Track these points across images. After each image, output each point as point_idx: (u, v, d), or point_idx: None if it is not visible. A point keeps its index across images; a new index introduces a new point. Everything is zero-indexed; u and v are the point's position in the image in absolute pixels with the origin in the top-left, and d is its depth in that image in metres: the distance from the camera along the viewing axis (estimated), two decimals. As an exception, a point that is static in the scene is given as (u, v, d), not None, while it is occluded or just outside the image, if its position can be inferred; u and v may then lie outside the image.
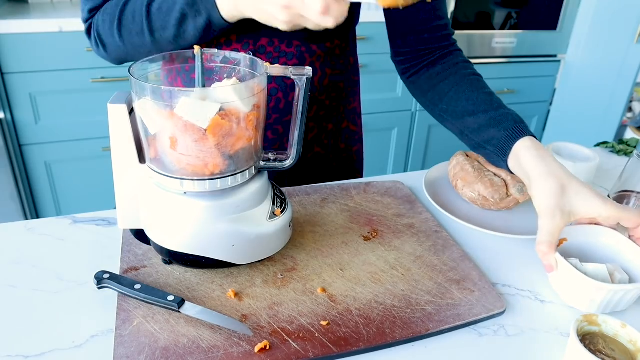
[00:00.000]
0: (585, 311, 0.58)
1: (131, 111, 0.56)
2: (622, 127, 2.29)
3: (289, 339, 0.51)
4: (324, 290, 0.58)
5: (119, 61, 0.79)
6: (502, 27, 2.18)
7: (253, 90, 0.54)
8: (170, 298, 0.53)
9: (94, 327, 0.53)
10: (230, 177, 0.56)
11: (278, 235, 0.61)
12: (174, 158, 0.54)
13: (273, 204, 0.61)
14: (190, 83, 0.74)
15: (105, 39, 0.74)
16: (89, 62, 1.74)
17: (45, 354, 0.50)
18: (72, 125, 1.82)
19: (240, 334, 0.52)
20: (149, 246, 0.62)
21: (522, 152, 0.66)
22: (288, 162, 0.62)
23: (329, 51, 0.82)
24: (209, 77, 0.61)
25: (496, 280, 0.64)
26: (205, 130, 0.51)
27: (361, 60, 0.94)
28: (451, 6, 2.05)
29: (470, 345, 0.54)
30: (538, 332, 0.56)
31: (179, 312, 0.53)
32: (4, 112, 1.71)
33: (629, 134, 2.28)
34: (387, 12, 0.82)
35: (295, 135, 0.61)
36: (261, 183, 0.60)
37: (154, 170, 0.56)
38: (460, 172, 0.80)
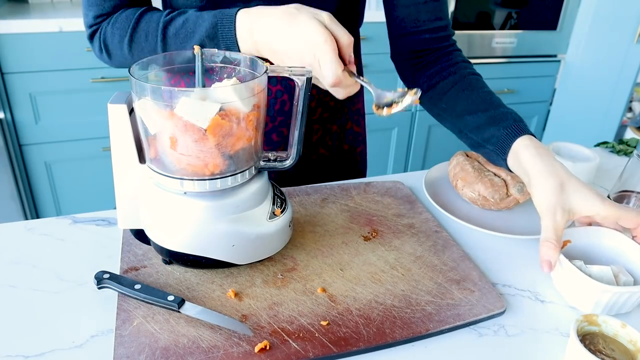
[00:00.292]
0: (590, 313, 0.58)
1: (131, 111, 0.56)
2: (622, 127, 2.29)
3: (289, 339, 0.51)
4: (324, 290, 0.58)
5: (122, 67, 0.79)
6: (502, 27, 2.18)
7: (253, 90, 0.54)
8: (170, 298, 0.53)
9: (94, 327, 0.53)
10: (230, 177, 0.56)
11: (278, 235, 0.61)
12: (174, 158, 0.54)
13: (273, 204, 0.61)
14: (190, 83, 0.74)
15: (113, 50, 0.74)
16: (89, 62, 1.74)
17: (45, 354, 0.50)
18: (72, 125, 1.82)
19: (240, 334, 0.52)
20: (149, 246, 0.62)
21: (522, 151, 0.66)
22: (288, 162, 0.62)
23: None
24: (209, 77, 0.61)
25: (496, 280, 0.64)
26: (205, 130, 0.51)
27: (362, 60, 0.95)
28: (451, 6, 2.05)
29: (470, 345, 0.54)
30: (538, 332, 0.56)
31: (179, 312, 0.53)
32: (4, 112, 1.71)
33: (629, 134, 2.28)
34: (388, 12, 0.82)
35: (295, 135, 0.61)
36: (261, 183, 0.60)
37: (154, 170, 0.56)
38: (460, 172, 0.80)
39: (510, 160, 0.68)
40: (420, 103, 0.83)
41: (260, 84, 0.55)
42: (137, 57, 0.72)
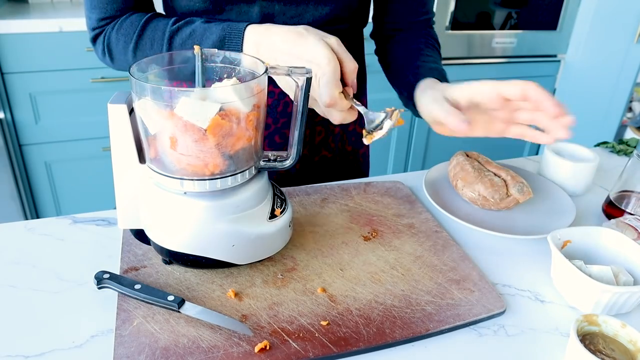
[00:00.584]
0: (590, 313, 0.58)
1: (131, 111, 0.56)
2: (622, 127, 2.28)
3: (289, 339, 0.51)
4: (324, 290, 0.58)
5: (124, 70, 0.79)
6: (502, 27, 2.18)
7: (253, 90, 0.54)
8: (170, 298, 0.53)
9: (94, 327, 0.53)
10: (230, 177, 0.56)
11: (278, 235, 0.61)
12: (174, 158, 0.54)
13: (273, 204, 0.61)
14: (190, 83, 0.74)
15: (117, 55, 0.74)
16: (89, 62, 1.74)
17: (45, 354, 0.50)
18: (72, 125, 1.82)
19: (240, 334, 0.52)
20: (149, 246, 0.62)
21: (419, 85, 0.70)
22: (288, 162, 0.62)
23: None
24: (209, 78, 0.61)
25: (496, 280, 0.64)
26: (205, 130, 0.51)
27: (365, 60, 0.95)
28: (451, 6, 2.05)
29: (470, 345, 0.54)
30: (538, 332, 0.56)
31: (179, 312, 0.53)
32: (4, 112, 1.71)
33: (629, 134, 2.28)
34: (378, 5, 0.87)
35: (295, 135, 0.61)
36: (261, 183, 0.60)
37: (154, 170, 0.56)
38: (460, 172, 0.80)
39: (416, 101, 0.70)
40: (381, 65, 0.87)
41: (260, 84, 0.55)
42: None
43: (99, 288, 0.56)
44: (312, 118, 0.86)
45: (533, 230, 0.72)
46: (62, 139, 1.83)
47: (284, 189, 0.76)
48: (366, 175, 1.02)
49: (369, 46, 0.94)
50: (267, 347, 0.50)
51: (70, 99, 1.78)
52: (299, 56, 0.60)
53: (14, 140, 1.77)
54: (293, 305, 0.56)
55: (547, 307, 0.60)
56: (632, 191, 0.77)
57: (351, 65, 0.60)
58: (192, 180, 0.55)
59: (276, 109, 0.81)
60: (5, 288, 0.58)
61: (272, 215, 0.60)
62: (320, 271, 0.62)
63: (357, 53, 0.89)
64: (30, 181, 1.86)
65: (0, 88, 1.67)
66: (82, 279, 0.60)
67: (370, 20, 0.91)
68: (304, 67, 0.57)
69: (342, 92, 0.59)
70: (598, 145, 1.07)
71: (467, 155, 0.84)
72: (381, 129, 0.58)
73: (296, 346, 0.50)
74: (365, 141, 0.60)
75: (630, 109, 2.30)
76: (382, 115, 0.59)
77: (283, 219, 0.61)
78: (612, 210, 0.78)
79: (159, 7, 0.82)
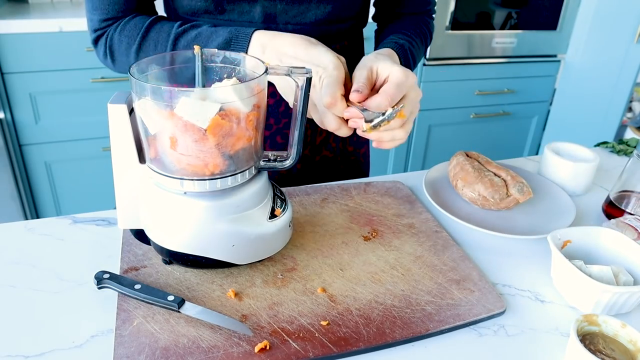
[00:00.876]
0: (590, 313, 0.58)
1: (131, 111, 0.56)
2: (622, 127, 2.28)
3: (289, 339, 0.51)
4: (324, 290, 0.58)
5: (124, 72, 0.79)
6: (502, 27, 2.18)
7: (253, 90, 0.54)
8: (170, 298, 0.53)
9: (94, 327, 0.53)
10: (230, 177, 0.56)
11: (278, 235, 0.61)
12: (174, 158, 0.54)
13: (273, 204, 0.61)
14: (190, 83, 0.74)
15: (118, 57, 0.74)
16: (89, 62, 1.74)
17: (45, 354, 0.50)
18: (72, 125, 1.82)
19: (240, 334, 0.52)
20: (149, 246, 0.62)
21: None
22: (288, 162, 0.62)
23: (340, 54, 0.82)
24: (209, 78, 0.61)
25: (496, 280, 0.64)
26: (205, 130, 0.51)
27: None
28: (451, 6, 2.05)
29: (470, 345, 0.54)
30: (538, 332, 0.56)
31: (179, 312, 0.53)
32: (4, 112, 1.71)
33: (629, 134, 2.28)
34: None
35: (295, 135, 0.61)
36: (261, 183, 0.60)
37: (154, 170, 0.56)
38: (460, 172, 0.80)
39: None
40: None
41: (260, 84, 0.55)
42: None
43: (99, 288, 0.56)
44: None
45: (533, 230, 0.72)
46: (62, 139, 1.83)
47: (284, 189, 0.76)
48: (366, 175, 1.02)
49: (369, 46, 0.94)
50: (267, 347, 0.50)
51: (70, 99, 1.78)
52: (306, 61, 0.61)
53: (14, 140, 1.77)
54: (293, 305, 0.56)
55: (547, 307, 0.60)
56: (632, 191, 0.77)
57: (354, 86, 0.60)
58: (192, 180, 0.55)
59: (278, 109, 0.81)
60: (5, 288, 0.58)
61: (272, 215, 0.60)
62: (320, 271, 0.62)
63: (357, 53, 0.89)
64: (30, 181, 1.86)
65: (0, 88, 1.67)
66: (82, 279, 0.60)
67: (369, 20, 0.92)
68: (304, 67, 0.57)
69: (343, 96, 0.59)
70: (598, 145, 1.07)
71: (467, 155, 0.84)
72: (382, 115, 0.57)
73: (296, 346, 0.50)
74: (368, 131, 0.58)
75: (630, 109, 2.30)
76: (387, 111, 0.58)
77: (283, 219, 0.61)
78: (612, 210, 0.78)
79: (159, 7, 0.82)
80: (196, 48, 0.58)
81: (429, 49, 2.07)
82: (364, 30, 0.91)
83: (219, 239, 0.57)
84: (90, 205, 1.96)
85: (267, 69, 0.56)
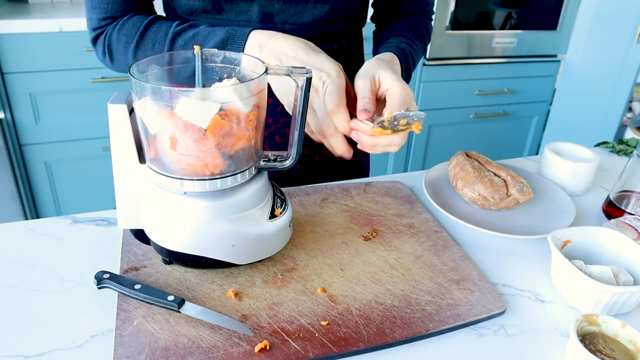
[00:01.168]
0: (590, 313, 0.58)
1: (131, 111, 0.56)
2: (622, 127, 2.28)
3: (289, 339, 0.51)
4: (324, 290, 0.58)
5: (123, 72, 0.79)
6: (502, 27, 2.18)
7: (253, 90, 0.54)
8: (170, 298, 0.53)
9: (94, 327, 0.53)
10: (230, 177, 0.56)
11: (278, 235, 0.61)
12: (174, 158, 0.54)
13: (273, 204, 0.61)
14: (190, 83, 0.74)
15: (117, 55, 0.74)
16: (89, 62, 1.74)
17: (45, 354, 0.50)
18: (72, 125, 1.82)
19: (240, 334, 0.52)
20: (149, 246, 0.62)
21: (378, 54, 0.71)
22: (288, 162, 0.62)
23: (338, 54, 0.83)
24: (209, 78, 0.61)
25: (496, 280, 0.64)
26: (205, 130, 0.51)
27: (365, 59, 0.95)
28: (451, 6, 2.05)
29: (470, 345, 0.54)
30: (538, 332, 0.56)
31: (179, 312, 0.53)
32: (4, 112, 1.71)
33: (629, 134, 2.28)
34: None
35: (295, 135, 0.61)
36: (261, 183, 0.60)
37: (154, 170, 0.56)
38: (460, 172, 0.80)
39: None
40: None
41: (260, 84, 0.55)
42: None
43: (99, 288, 0.56)
44: None
45: (533, 230, 0.72)
46: (62, 139, 1.83)
47: (284, 189, 0.76)
48: (366, 175, 1.02)
49: (369, 46, 0.94)
50: (267, 347, 0.50)
51: (70, 99, 1.78)
52: (306, 63, 0.61)
53: (14, 140, 1.77)
54: (293, 305, 0.56)
55: (547, 307, 0.60)
56: (632, 191, 0.77)
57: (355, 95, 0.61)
58: (192, 180, 0.55)
59: (276, 109, 0.81)
60: (5, 288, 0.58)
61: (272, 215, 0.60)
62: (320, 271, 0.62)
63: (356, 53, 0.89)
64: (30, 181, 1.86)
65: (0, 88, 1.67)
66: (82, 279, 0.60)
67: (368, 20, 0.92)
68: (304, 67, 0.57)
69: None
70: (598, 145, 1.07)
71: (467, 155, 0.84)
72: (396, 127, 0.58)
73: (296, 346, 0.50)
74: (379, 133, 0.59)
75: (630, 109, 2.30)
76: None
77: (283, 219, 0.61)
78: (612, 210, 0.78)
79: (159, 7, 0.82)
80: (196, 48, 0.58)
81: (428, 48, 2.07)
82: (363, 30, 0.91)
83: (219, 239, 0.57)
84: (90, 205, 1.96)
85: (267, 69, 0.56)
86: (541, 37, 2.26)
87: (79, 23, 1.66)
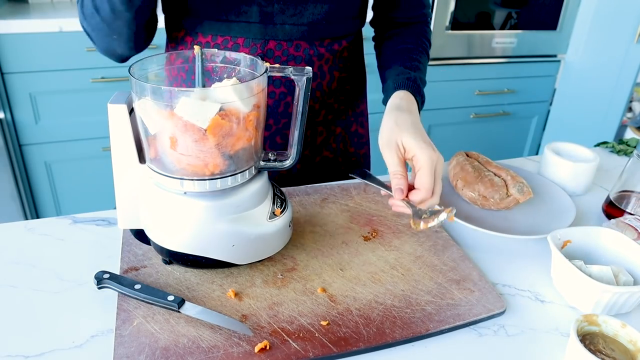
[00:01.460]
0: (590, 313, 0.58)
1: (131, 111, 0.56)
2: (622, 127, 2.28)
3: (289, 339, 0.51)
4: (324, 290, 0.58)
5: (106, 52, 0.75)
6: (502, 27, 2.18)
7: (253, 90, 0.54)
8: (170, 298, 0.53)
9: (94, 327, 0.53)
10: (230, 177, 0.56)
11: (278, 235, 0.61)
12: (174, 158, 0.54)
13: (273, 204, 0.61)
14: (190, 83, 0.74)
15: (85, 27, 0.71)
16: (89, 62, 1.74)
17: (45, 354, 0.50)
18: (72, 125, 1.82)
19: (240, 334, 0.52)
20: (149, 246, 0.62)
21: (390, 100, 0.73)
22: (288, 162, 0.62)
23: (338, 54, 0.83)
24: (209, 78, 0.61)
25: (496, 280, 0.64)
26: (205, 130, 0.51)
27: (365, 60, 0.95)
28: (451, 6, 2.05)
29: (470, 345, 0.54)
30: (538, 332, 0.56)
31: (179, 312, 0.53)
32: (4, 112, 1.71)
33: (629, 134, 2.28)
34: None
35: (295, 135, 0.61)
36: (261, 183, 0.60)
37: (154, 170, 0.56)
38: (460, 172, 0.80)
39: (382, 121, 0.72)
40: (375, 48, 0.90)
41: (260, 84, 0.55)
42: (90, 26, 0.69)
43: (99, 288, 0.56)
44: (313, 118, 0.86)
45: (533, 230, 0.72)
46: (62, 139, 1.83)
47: (284, 189, 0.76)
48: None
49: (369, 46, 0.94)
50: (267, 347, 0.50)
51: (70, 99, 1.78)
52: (425, 136, 0.64)
53: (14, 140, 1.77)
54: (293, 305, 0.56)
55: (547, 307, 0.60)
56: (632, 191, 0.77)
57: (433, 192, 0.63)
58: (192, 180, 0.55)
59: (277, 110, 0.81)
60: (5, 288, 0.58)
61: (272, 215, 0.60)
62: (320, 271, 0.62)
63: (357, 53, 0.89)
64: (30, 181, 1.86)
65: (0, 88, 1.67)
66: (82, 279, 0.60)
67: (368, 20, 0.91)
68: (304, 68, 0.57)
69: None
70: (598, 145, 1.07)
71: (467, 155, 0.84)
72: (437, 217, 0.60)
73: (296, 346, 0.50)
74: (417, 227, 0.61)
75: (630, 109, 2.30)
76: (430, 211, 0.61)
77: (283, 219, 0.61)
78: (612, 210, 0.78)
79: (158, 8, 0.82)
80: (196, 48, 0.58)
81: (429, 49, 2.07)
82: (363, 30, 0.91)
83: (219, 239, 0.57)
84: (90, 205, 1.95)
85: (267, 69, 0.56)
86: (541, 37, 2.26)
87: (78, 23, 1.66)
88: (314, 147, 0.89)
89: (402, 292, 0.59)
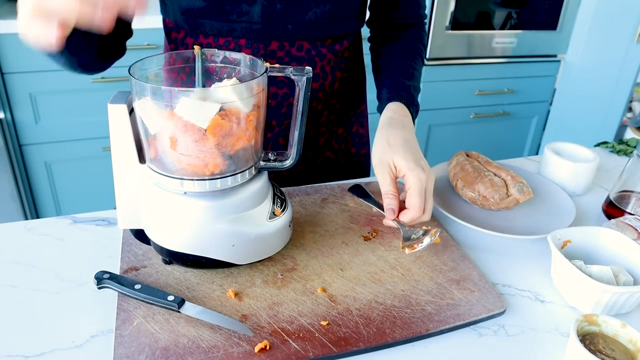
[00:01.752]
0: (590, 313, 0.58)
1: (131, 111, 0.56)
2: (622, 127, 2.28)
3: (289, 339, 0.51)
4: (324, 290, 0.58)
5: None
6: (502, 27, 2.18)
7: (253, 90, 0.54)
8: (170, 298, 0.53)
9: (94, 327, 0.53)
10: (230, 177, 0.56)
11: (278, 235, 0.61)
12: (174, 158, 0.54)
13: (273, 204, 0.61)
14: (191, 84, 0.74)
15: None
16: (89, 62, 1.73)
17: (45, 354, 0.50)
18: (72, 125, 1.82)
19: (240, 334, 0.52)
20: (149, 246, 0.62)
21: (384, 112, 0.74)
22: (288, 162, 0.62)
23: (339, 54, 0.83)
24: (209, 78, 0.61)
25: (496, 280, 0.64)
26: (205, 130, 0.51)
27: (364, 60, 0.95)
28: (451, 6, 2.05)
29: (470, 345, 0.54)
30: (538, 332, 0.56)
31: (179, 312, 0.53)
32: (4, 112, 1.71)
33: (629, 134, 2.28)
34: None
35: (295, 135, 0.61)
36: (261, 183, 0.60)
37: (154, 170, 0.56)
38: (460, 172, 0.80)
39: (375, 137, 0.73)
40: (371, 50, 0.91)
41: (260, 84, 0.55)
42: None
43: (99, 288, 0.56)
44: (316, 119, 0.86)
45: (533, 230, 0.72)
46: (62, 139, 1.83)
47: (284, 189, 0.76)
48: (367, 175, 1.02)
49: (366, 46, 0.94)
50: (267, 347, 0.50)
51: (70, 99, 1.78)
52: (416, 154, 0.65)
53: (14, 140, 1.77)
54: (293, 305, 0.56)
55: (547, 307, 0.60)
56: (632, 191, 0.77)
57: (423, 210, 0.64)
58: (192, 180, 0.55)
59: (280, 111, 0.81)
60: (5, 288, 0.58)
61: (272, 215, 0.60)
62: (320, 271, 0.62)
63: (357, 53, 0.89)
64: (30, 181, 1.86)
65: (0, 88, 1.67)
66: (82, 279, 0.60)
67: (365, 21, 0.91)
68: (304, 67, 0.57)
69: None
70: (598, 145, 1.07)
71: (467, 155, 0.84)
72: (421, 243, 0.62)
73: (296, 346, 0.50)
74: (406, 251, 0.62)
75: (630, 109, 2.30)
76: (420, 231, 0.63)
77: (283, 219, 0.61)
78: (612, 210, 0.78)
79: (156, 7, 0.82)
80: (196, 48, 0.58)
81: (428, 48, 2.07)
82: (362, 30, 0.91)
83: (219, 239, 0.57)
84: (90, 205, 1.95)
85: (267, 69, 0.56)
86: (541, 37, 2.26)
87: (79, 23, 1.66)
88: (317, 148, 0.89)
89: (402, 292, 0.59)
